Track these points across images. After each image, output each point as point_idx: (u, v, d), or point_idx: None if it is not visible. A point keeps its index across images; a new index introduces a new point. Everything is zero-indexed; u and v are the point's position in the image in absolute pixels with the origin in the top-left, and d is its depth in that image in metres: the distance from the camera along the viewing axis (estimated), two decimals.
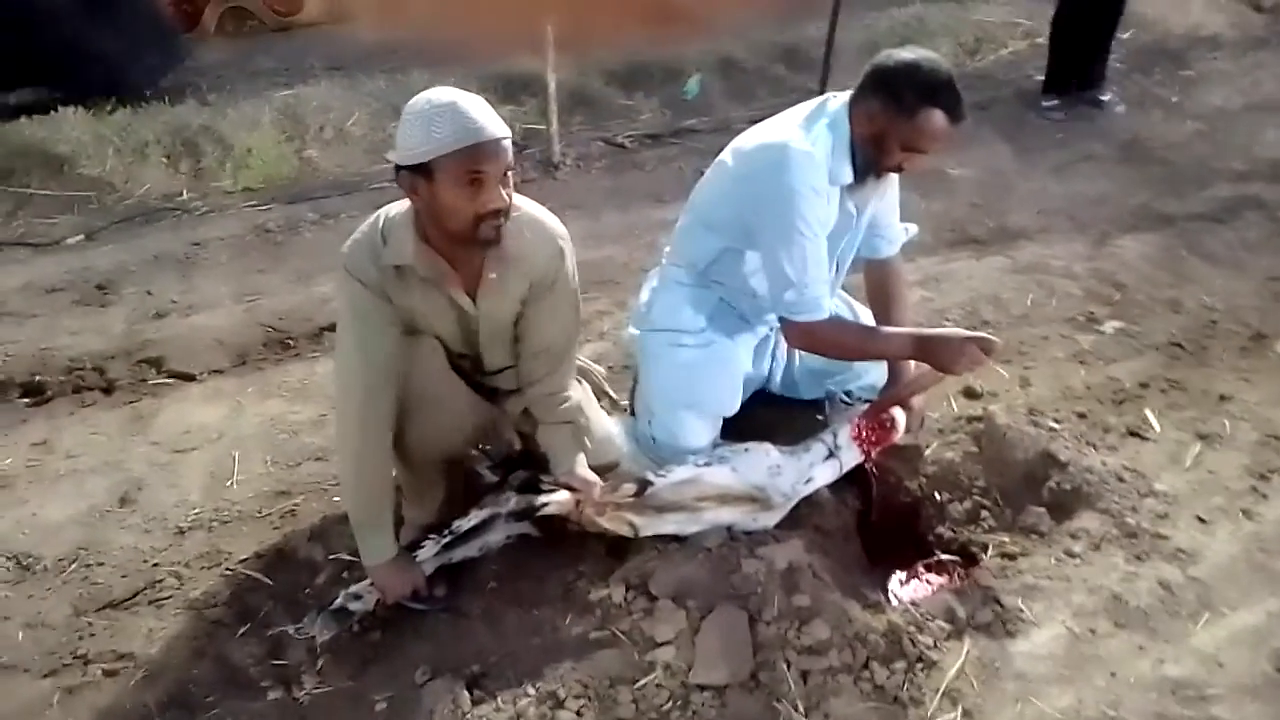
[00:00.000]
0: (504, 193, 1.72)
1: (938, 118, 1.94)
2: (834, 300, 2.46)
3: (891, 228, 2.39)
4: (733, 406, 2.31)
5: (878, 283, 2.42)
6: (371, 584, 1.94)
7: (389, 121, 4.72)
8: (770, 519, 2.14)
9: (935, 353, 2.09)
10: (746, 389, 2.39)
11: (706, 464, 2.12)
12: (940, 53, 5.82)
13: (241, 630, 2.02)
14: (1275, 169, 4.27)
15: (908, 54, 1.99)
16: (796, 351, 2.50)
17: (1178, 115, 4.97)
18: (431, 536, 1.97)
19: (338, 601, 1.94)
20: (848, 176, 2.07)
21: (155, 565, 2.21)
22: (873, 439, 2.23)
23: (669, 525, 2.07)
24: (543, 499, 1.97)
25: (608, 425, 2.27)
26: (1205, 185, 4.13)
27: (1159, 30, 6.05)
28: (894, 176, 2.25)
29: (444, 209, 1.71)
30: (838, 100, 2.11)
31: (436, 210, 1.72)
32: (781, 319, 2.17)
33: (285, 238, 3.83)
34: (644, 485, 2.03)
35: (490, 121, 1.68)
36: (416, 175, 1.69)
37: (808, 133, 2.06)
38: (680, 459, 2.16)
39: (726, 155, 2.22)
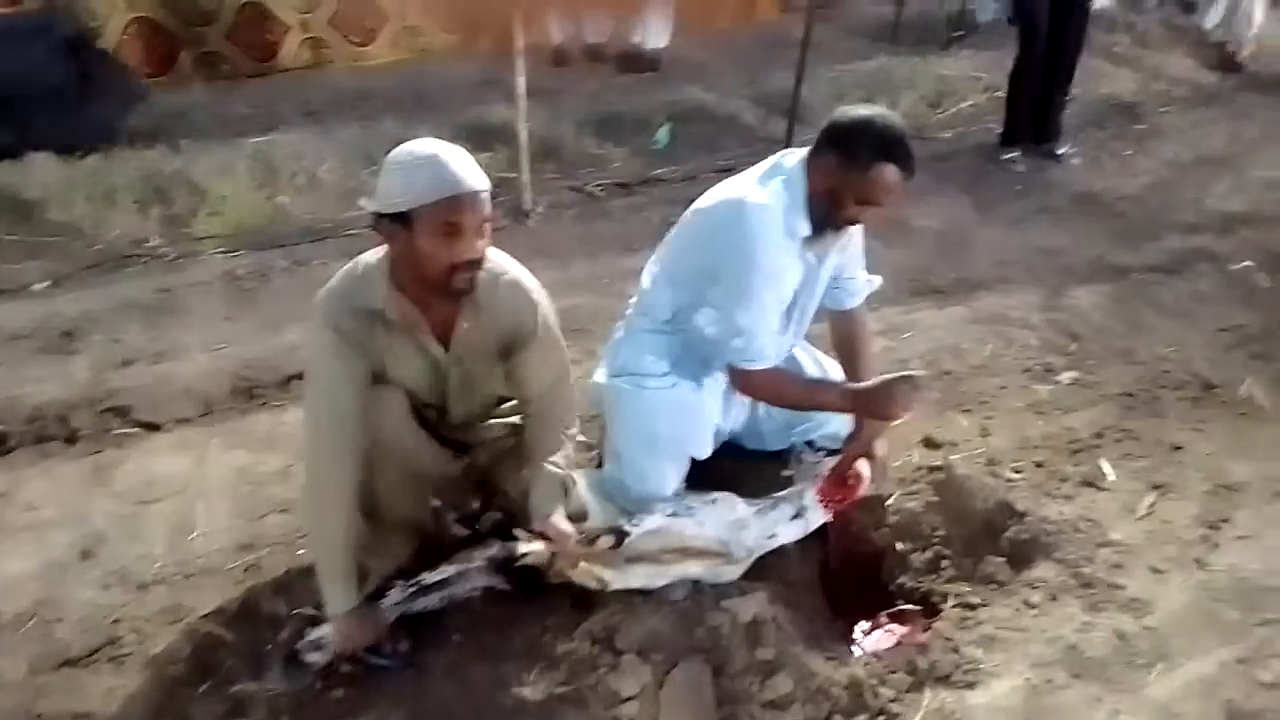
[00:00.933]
0: (479, 244, 1.78)
1: (890, 172, 2.02)
2: (800, 351, 2.52)
3: (854, 280, 2.45)
4: (700, 449, 2.33)
5: (842, 334, 2.49)
6: (332, 634, 1.93)
7: (361, 168, 4.76)
8: (733, 573, 2.16)
9: (868, 403, 2.17)
10: (715, 439, 2.42)
11: (674, 514, 2.15)
12: (904, 105, 6.02)
13: (203, 688, 2.00)
14: (1224, 221, 4.41)
15: (862, 110, 2.07)
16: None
17: (1131, 168, 5.13)
18: (398, 583, 1.97)
19: (298, 653, 1.93)
20: (805, 230, 2.14)
21: (115, 621, 2.18)
22: (838, 498, 2.28)
23: (637, 579, 2.09)
24: (523, 548, 1.98)
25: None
26: (1157, 237, 4.25)
27: (1113, 85, 6.24)
28: (857, 230, 2.33)
29: (421, 257, 1.75)
30: (794, 156, 2.19)
31: (413, 258, 1.77)
32: (729, 366, 2.22)
33: (255, 285, 3.83)
34: (621, 537, 2.05)
35: (470, 174, 1.74)
36: (395, 223, 1.74)
37: (764, 187, 2.13)
38: (649, 507, 2.17)
39: (689, 213, 2.28)
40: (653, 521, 2.11)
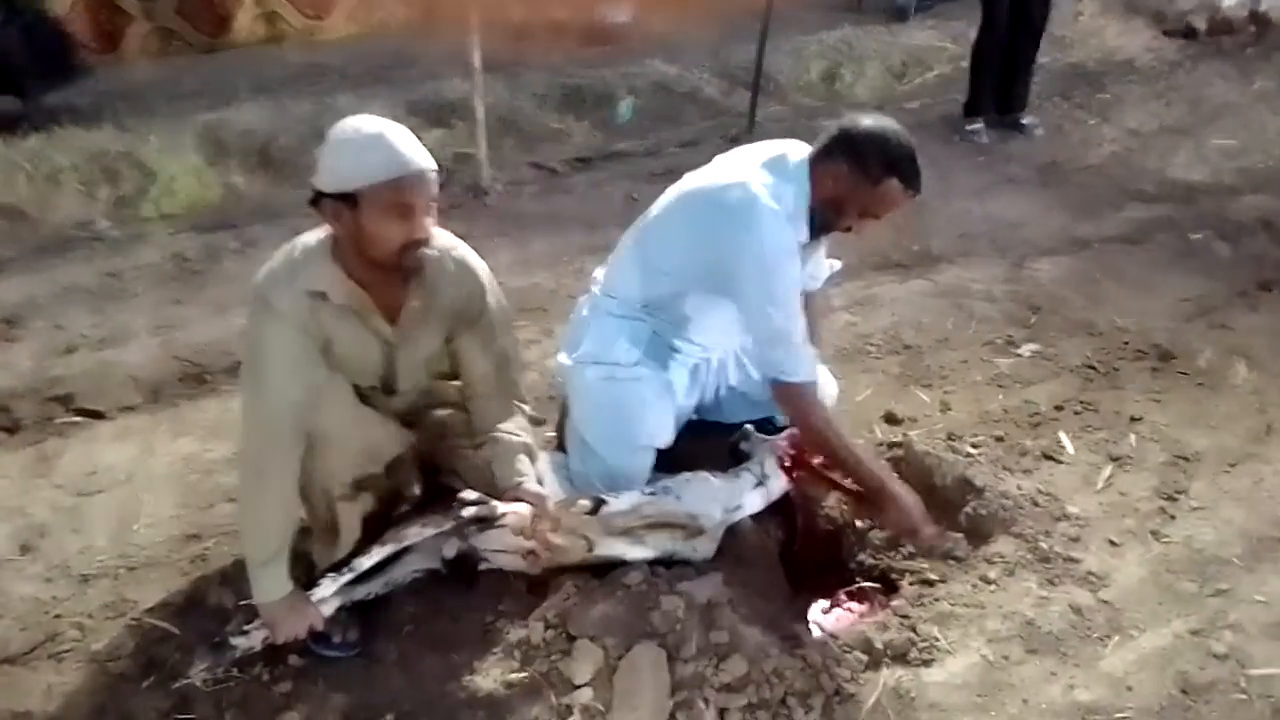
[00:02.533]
0: (427, 222, 1.77)
1: (898, 188, 2.01)
2: None
3: (819, 265, 2.42)
4: (666, 438, 2.30)
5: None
6: (262, 623, 1.89)
7: (314, 146, 4.59)
8: (709, 548, 2.15)
9: (886, 505, 2.13)
10: (677, 422, 2.38)
11: (652, 494, 2.13)
12: (868, 75, 5.95)
13: (146, 683, 1.94)
14: (1186, 191, 4.43)
15: (875, 123, 2.03)
16: (727, 377, 2.50)
17: (1095, 138, 5.13)
18: (330, 574, 1.92)
19: (225, 638, 1.89)
20: (804, 236, 2.10)
21: (56, 616, 2.12)
22: (799, 461, 2.27)
23: (618, 547, 2.06)
24: (501, 508, 1.94)
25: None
26: (1119, 207, 4.26)
27: (1078, 54, 6.24)
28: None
29: (368, 237, 1.73)
30: (798, 152, 2.12)
31: (360, 238, 1.74)
32: (774, 383, 2.12)
33: (205, 267, 3.74)
34: (598, 503, 2.03)
35: (417, 153, 1.72)
36: (340, 203, 1.71)
37: (770, 188, 2.05)
38: (623, 489, 2.15)
39: (676, 200, 2.20)
40: (631, 497, 2.09)
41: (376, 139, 1.69)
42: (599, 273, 2.40)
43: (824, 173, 2.05)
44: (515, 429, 2.06)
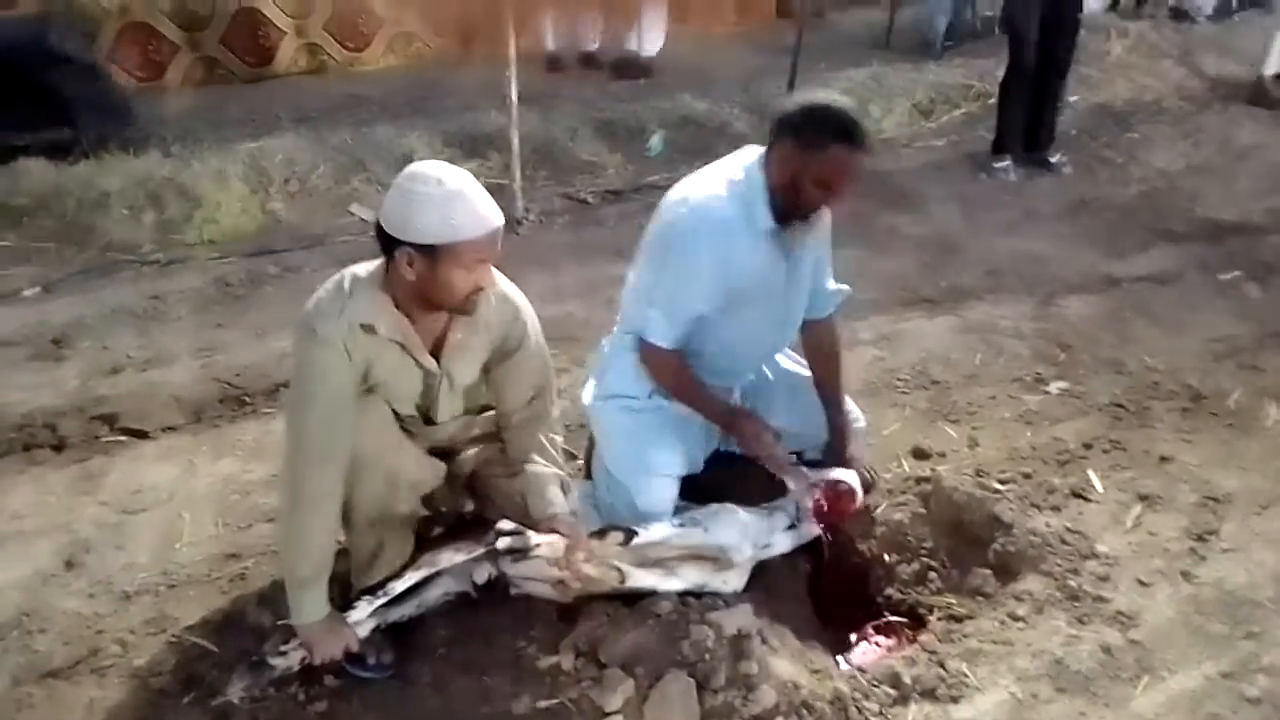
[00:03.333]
0: (491, 271, 1.88)
1: (843, 149, 2.00)
2: (784, 359, 2.52)
3: (822, 289, 2.43)
4: (688, 465, 2.33)
5: (813, 346, 2.47)
6: (300, 643, 1.93)
7: (353, 175, 4.76)
8: (739, 581, 2.17)
9: (738, 431, 2.25)
10: (701, 452, 2.42)
11: (681, 525, 2.16)
12: (896, 113, 6.00)
13: (186, 699, 1.99)
14: (1215, 231, 4.43)
15: (808, 96, 2.09)
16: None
17: (1122, 177, 5.14)
18: (365, 597, 1.97)
19: (263, 657, 1.93)
20: (767, 220, 2.13)
21: (99, 632, 2.18)
22: (835, 512, 2.28)
23: (648, 580, 2.09)
24: (535, 539, 1.98)
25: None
26: (1148, 246, 4.27)
27: (1105, 94, 6.26)
28: (826, 235, 2.34)
29: (442, 286, 1.81)
30: (753, 152, 2.18)
31: (432, 285, 1.81)
32: (639, 339, 2.23)
33: (246, 291, 3.83)
34: (630, 535, 2.06)
35: (495, 210, 1.81)
36: (417, 252, 1.76)
37: (717, 183, 2.14)
38: (653, 520, 2.18)
39: (648, 230, 2.29)
40: (661, 530, 2.12)
41: (460, 196, 1.75)
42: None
43: (774, 159, 2.09)
44: (549, 460, 2.11)
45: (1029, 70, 4.96)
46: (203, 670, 2.06)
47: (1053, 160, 5.18)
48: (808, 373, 2.48)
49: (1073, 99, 5.99)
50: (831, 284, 2.44)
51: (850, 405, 2.45)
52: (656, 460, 2.27)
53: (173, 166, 4.58)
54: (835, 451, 2.37)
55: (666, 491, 2.30)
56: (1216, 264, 4.05)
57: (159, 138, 5.01)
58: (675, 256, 2.14)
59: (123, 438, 2.92)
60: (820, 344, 2.45)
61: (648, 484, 2.28)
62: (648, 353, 2.23)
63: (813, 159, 2.02)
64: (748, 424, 2.25)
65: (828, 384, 2.40)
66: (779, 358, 2.53)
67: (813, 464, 2.42)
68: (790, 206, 2.11)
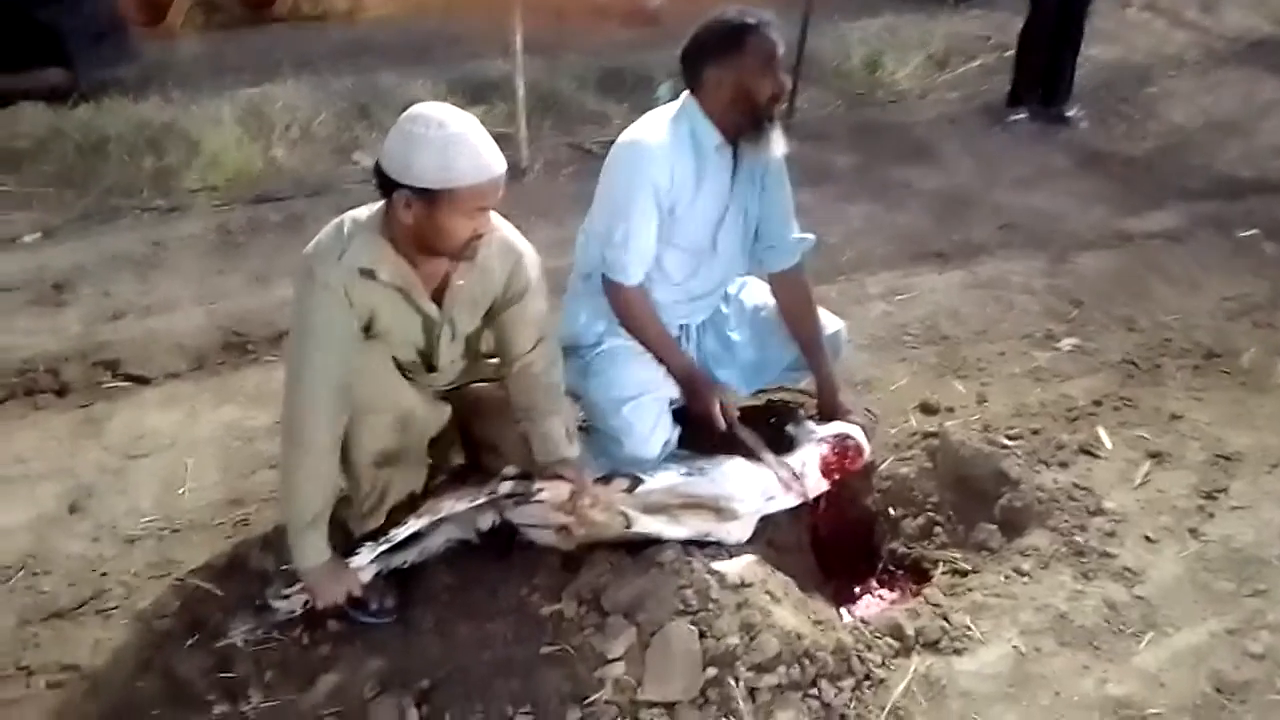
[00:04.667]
0: (491, 216, 1.84)
1: (761, 40, 2.08)
2: (741, 283, 2.55)
3: (783, 239, 2.40)
4: (665, 391, 2.31)
5: (785, 298, 2.45)
6: (302, 588, 1.93)
7: (355, 122, 4.69)
8: (742, 533, 2.17)
9: (688, 389, 2.31)
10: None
11: (687, 474, 2.15)
12: (911, 64, 5.88)
13: (190, 642, 1.99)
14: (1232, 188, 4.35)
15: (697, 27, 2.15)
16: (708, 344, 2.53)
17: (1139, 132, 5.06)
18: (367, 543, 1.96)
19: (266, 600, 1.94)
20: (715, 138, 2.18)
21: (103, 575, 2.18)
22: (841, 469, 2.29)
23: (655, 525, 2.08)
24: (539, 484, 1.97)
25: None
26: (1163, 203, 4.20)
27: (1123, 48, 6.13)
28: (783, 177, 2.35)
29: (440, 231, 1.77)
30: (683, 97, 2.24)
31: (427, 231, 1.77)
32: (604, 278, 2.27)
33: (247, 239, 3.79)
34: (635, 481, 2.06)
35: (498, 157, 1.76)
36: (416, 196, 1.72)
37: (653, 120, 2.22)
38: (657, 466, 2.17)
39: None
40: (667, 477, 2.12)
41: (461, 140, 1.69)
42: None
43: (704, 86, 2.15)
44: (554, 406, 2.09)
45: (1050, 20, 4.85)
46: (206, 613, 2.06)
47: (1069, 114, 5.09)
48: (768, 302, 2.48)
49: (1092, 52, 5.87)
50: (795, 233, 2.42)
51: (822, 315, 2.48)
52: (627, 400, 2.23)
53: (173, 112, 4.52)
54: (825, 404, 2.41)
55: (653, 424, 2.25)
56: (1233, 221, 3.99)
57: (158, 83, 4.94)
58: (621, 190, 2.18)
59: (125, 383, 2.91)
60: (793, 297, 2.44)
61: (631, 423, 2.23)
62: (613, 291, 2.26)
63: (740, 63, 2.09)
64: (703, 390, 2.30)
65: (805, 336, 2.41)
66: (741, 290, 2.54)
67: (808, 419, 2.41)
68: (744, 115, 2.14)
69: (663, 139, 2.16)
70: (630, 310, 2.28)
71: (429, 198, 1.71)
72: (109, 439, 2.65)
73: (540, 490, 1.94)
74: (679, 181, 2.18)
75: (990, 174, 4.48)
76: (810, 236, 2.44)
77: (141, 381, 2.91)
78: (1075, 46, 5.05)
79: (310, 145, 4.54)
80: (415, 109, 1.74)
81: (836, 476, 2.30)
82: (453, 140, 1.69)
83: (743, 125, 2.15)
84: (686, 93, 2.20)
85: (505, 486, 1.93)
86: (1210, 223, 4.00)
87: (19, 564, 2.21)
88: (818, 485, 2.28)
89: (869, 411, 2.61)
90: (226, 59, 5.50)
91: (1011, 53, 5.20)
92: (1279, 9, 6.77)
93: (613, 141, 2.26)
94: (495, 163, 1.74)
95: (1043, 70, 5.03)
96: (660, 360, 2.32)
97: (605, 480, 2.04)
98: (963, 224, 4.00)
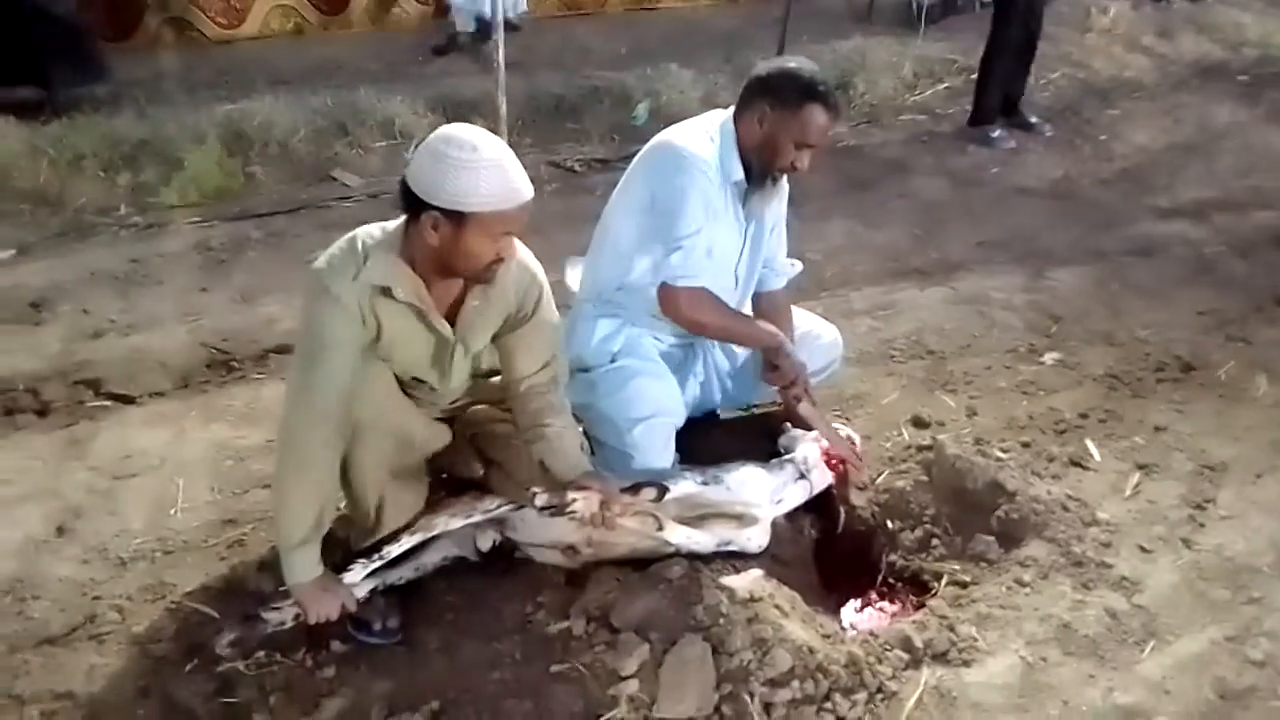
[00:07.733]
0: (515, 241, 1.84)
1: (819, 109, 2.13)
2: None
3: (778, 261, 2.54)
4: (671, 414, 2.32)
5: (767, 310, 2.53)
6: (294, 602, 1.90)
7: (334, 139, 4.66)
8: (762, 538, 2.19)
9: (777, 358, 2.31)
10: (685, 403, 2.43)
11: (705, 483, 2.17)
12: (881, 86, 5.98)
13: (188, 666, 1.94)
14: (1198, 207, 4.48)
15: (783, 61, 2.20)
16: (717, 362, 2.57)
17: (1105, 153, 5.19)
18: (360, 560, 1.93)
19: (257, 613, 1.90)
20: (738, 173, 2.24)
21: (95, 598, 2.12)
22: (840, 459, 2.38)
23: (683, 533, 2.09)
24: (571, 495, 1.93)
25: None
26: (1133, 221, 4.31)
27: (1087, 71, 6.30)
28: (783, 209, 2.44)
29: (465, 253, 1.76)
30: (723, 113, 2.28)
31: (454, 252, 1.76)
32: (660, 286, 2.24)
33: (229, 256, 3.73)
34: (662, 490, 2.05)
35: (527, 183, 1.77)
36: (446, 217, 1.71)
37: (698, 132, 2.24)
38: (675, 476, 2.18)
39: (621, 182, 2.35)
40: (687, 486, 2.13)
41: (496, 164, 1.69)
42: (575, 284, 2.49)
43: (748, 120, 2.19)
44: (567, 422, 2.08)
45: (1013, 44, 5.01)
46: (204, 637, 2.00)
47: (1033, 120, 5.30)
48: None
49: (1054, 76, 6.04)
50: (784, 259, 2.55)
51: (819, 325, 2.59)
52: (635, 420, 2.24)
53: (147, 128, 4.45)
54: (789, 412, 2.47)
55: (660, 444, 2.28)
56: (1201, 239, 4.10)
57: (131, 98, 4.85)
58: (675, 192, 2.17)
59: (108, 403, 2.84)
60: (773, 308, 2.52)
61: (638, 444, 2.25)
62: (672, 296, 2.23)
63: (790, 118, 2.13)
64: (789, 361, 2.31)
65: None
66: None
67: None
68: (765, 164, 2.21)
69: (708, 157, 2.19)
70: (703, 308, 2.26)
71: (457, 220, 1.71)
72: (95, 459, 2.58)
73: (574, 501, 1.91)
74: (711, 203, 2.22)
75: (964, 192, 4.57)
76: (799, 264, 2.59)
77: (126, 400, 2.85)
78: (1029, 57, 5.23)
79: (289, 162, 4.50)
80: (447, 130, 1.74)
81: (840, 466, 2.39)
82: (487, 165, 1.69)
83: (755, 169, 2.22)
84: (730, 114, 2.25)
85: (540, 499, 1.89)
86: (1178, 240, 4.11)
87: (6, 589, 2.14)
88: (823, 477, 2.36)
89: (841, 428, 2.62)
90: (197, 75, 5.41)
91: (975, 75, 5.34)
92: (1231, 35, 6.99)
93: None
94: (525, 188, 1.75)
95: (1002, 84, 5.20)
96: (751, 338, 2.38)
97: (634, 490, 2.02)
98: (940, 241, 4.07)
